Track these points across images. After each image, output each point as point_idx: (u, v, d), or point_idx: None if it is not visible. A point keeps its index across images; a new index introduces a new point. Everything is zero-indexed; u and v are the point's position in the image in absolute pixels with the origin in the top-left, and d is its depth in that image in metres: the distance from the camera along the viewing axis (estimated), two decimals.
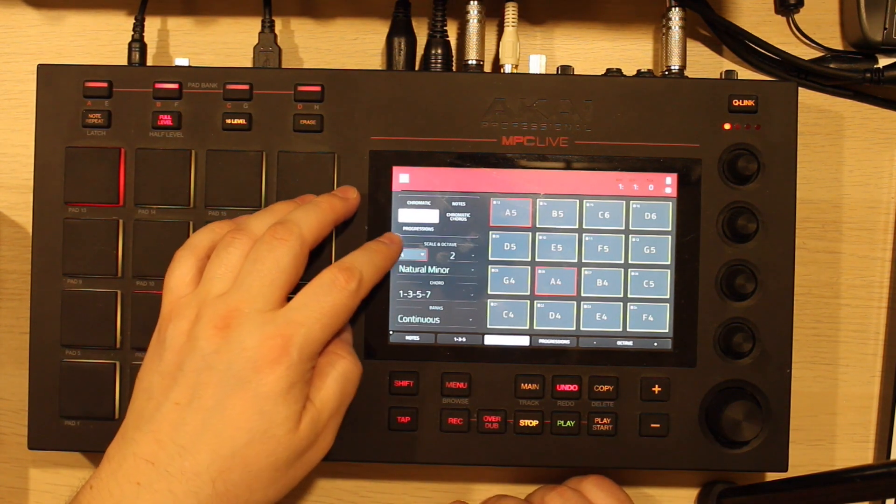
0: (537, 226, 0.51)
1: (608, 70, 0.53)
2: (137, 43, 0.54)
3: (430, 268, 0.51)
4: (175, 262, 0.47)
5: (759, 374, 0.51)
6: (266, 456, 0.43)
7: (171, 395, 0.43)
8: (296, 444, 0.43)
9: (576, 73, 0.53)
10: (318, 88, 0.51)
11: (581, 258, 0.51)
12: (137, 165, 0.51)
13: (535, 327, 0.51)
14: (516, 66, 0.54)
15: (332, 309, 0.44)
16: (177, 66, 0.52)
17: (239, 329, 0.43)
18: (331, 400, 0.45)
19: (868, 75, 0.55)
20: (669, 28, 0.53)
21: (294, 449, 0.43)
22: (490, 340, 0.51)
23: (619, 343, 0.51)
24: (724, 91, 0.51)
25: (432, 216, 0.51)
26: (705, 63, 0.57)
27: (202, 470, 0.42)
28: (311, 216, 0.46)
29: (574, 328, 0.51)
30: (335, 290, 0.44)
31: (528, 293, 0.51)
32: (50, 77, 0.51)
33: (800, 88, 0.52)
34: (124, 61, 0.54)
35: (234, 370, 0.42)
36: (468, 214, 0.51)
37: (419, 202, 0.51)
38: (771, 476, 0.53)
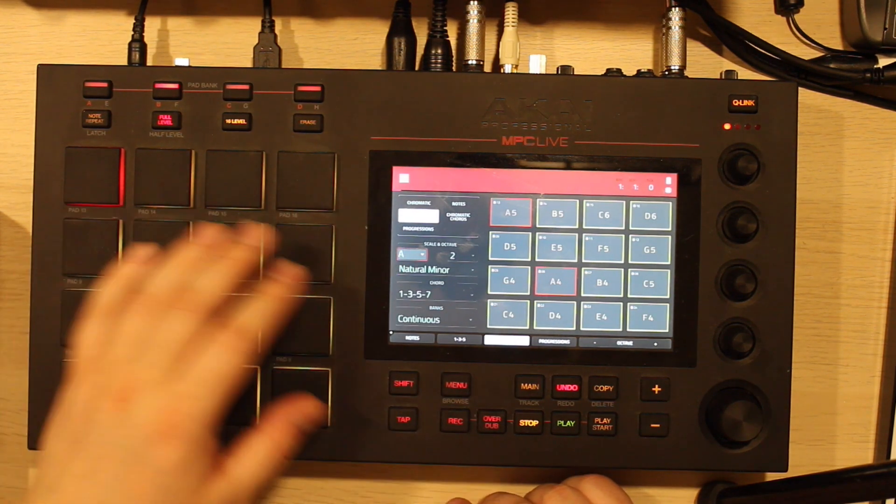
0: (537, 226, 0.51)
1: (608, 70, 0.53)
2: (137, 43, 0.54)
3: (430, 268, 0.51)
4: (87, 321, 0.46)
5: (759, 374, 0.51)
6: None
7: (72, 466, 0.42)
8: None
9: (576, 73, 0.53)
10: (318, 88, 0.51)
11: (581, 258, 0.51)
12: (137, 165, 0.51)
13: (535, 327, 0.51)
14: (516, 66, 0.54)
15: (227, 377, 0.44)
16: (177, 66, 0.52)
17: (137, 403, 0.42)
18: (248, 481, 0.45)
19: (868, 75, 0.55)
20: (669, 28, 0.53)
21: None
22: (490, 340, 0.51)
23: (619, 343, 0.51)
24: (724, 91, 0.51)
25: (432, 216, 0.51)
26: (705, 63, 0.57)
27: None
28: (212, 279, 0.45)
29: (574, 328, 0.51)
30: (227, 356, 0.44)
31: (528, 293, 0.51)
32: (50, 77, 0.51)
33: (800, 88, 0.52)
34: (124, 61, 0.54)
35: (130, 445, 0.42)
36: (468, 214, 0.51)
37: (419, 202, 0.51)
38: (771, 476, 0.53)
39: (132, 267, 0.47)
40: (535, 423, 0.51)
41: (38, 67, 0.51)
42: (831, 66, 0.55)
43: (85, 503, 0.42)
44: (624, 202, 0.51)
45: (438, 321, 0.51)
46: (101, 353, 0.45)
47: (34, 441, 0.51)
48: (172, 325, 0.44)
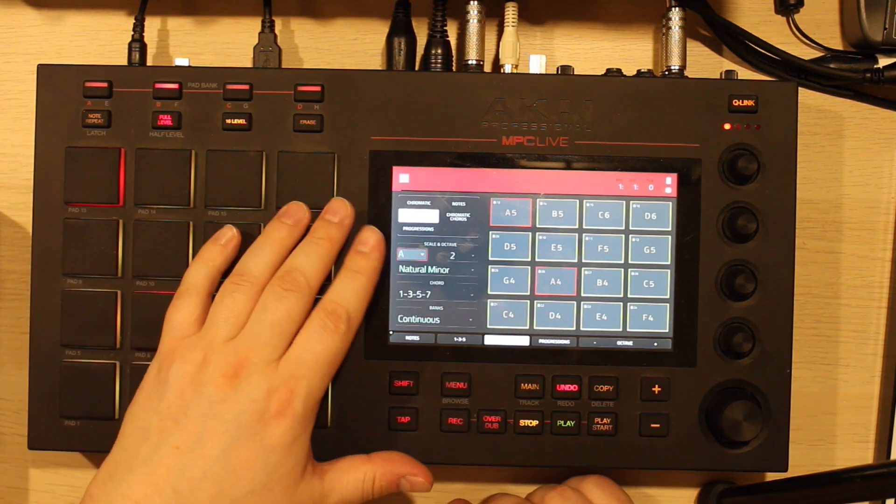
0: (537, 226, 0.51)
1: (608, 70, 0.53)
2: (137, 43, 0.54)
3: (430, 268, 0.51)
4: (179, 299, 0.47)
5: (759, 374, 0.51)
6: None
7: (172, 438, 0.43)
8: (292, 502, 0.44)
9: (576, 73, 0.53)
10: (318, 88, 0.51)
11: (581, 258, 0.51)
12: (137, 165, 0.51)
13: (535, 327, 0.51)
14: (516, 66, 0.54)
15: (327, 357, 0.45)
16: (177, 66, 0.52)
17: (248, 379, 0.43)
18: (338, 493, 0.46)
19: (868, 75, 0.55)
20: (669, 28, 0.53)
21: None
22: (490, 340, 0.51)
23: (619, 343, 0.51)
24: (724, 91, 0.51)
25: (432, 216, 0.51)
26: (705, 63, 0.57)
27: None
28: (313, 260, 0.47)
29: (574, 328, 0.51)
30: (326, 337, 0.45)
31: (528, 293, 0.51)
32: (50, 77, 0.51)
33: (800, 88, 0.52)
34: (124, 61, 0.54)
35: (241, 421, 0.43)
36: (468, 214, 0.51)
37: (419, 202, 0.51)
38: (771, 476, 0.53)
39: (217, 248, 0.48)
40: (535, 423, 0.51)
41: (38, 67, 0.51)
42: (831, 66, 0.55)
43: (186, 474, 0.42)
44: (624, 202, 0.51)
45: (438, 321, 0.51)
46: (202, 333, 0.45)
47: (34, 441, 0.51)
48: (280, 304, 0.45)
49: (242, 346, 0.44)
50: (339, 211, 0.49)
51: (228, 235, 0.49)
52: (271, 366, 0.44)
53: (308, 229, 0.49)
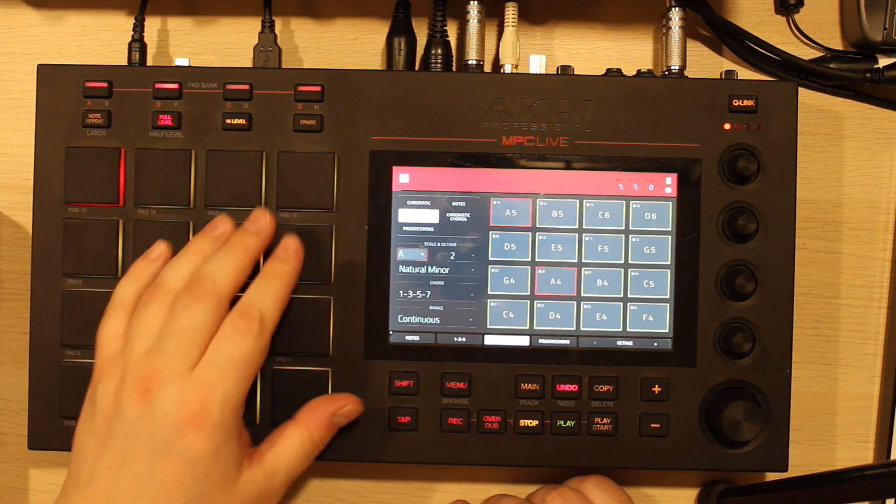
0: (537, 226, 0.51)
1: (608, 70, 0.53)
2: (137, 43, 0.54)
3: (430, 268, 0.51)
4: (105, 318, 0.47)
5: (759, 374, 0.51)
6: None
7: (104, 459, 0.43)
8: (237, 502, 0.44)
9: (576, 73, 0.53)
10: (318, 88, 0.51)
11: (581, 258, 0.51)
12: (137, 165, 0.51)
13: (535, 327, 0.51)
14: (516, 66, 0.54)
15: (241, 359, 0.44)
16: (177, 66, 0.52)
17: (160, 393, 0.43)
18: (283, 468, 0.46)
19: (868, 75, 0.55)
20: (669, 28, 0.53)
21: None
22: (490, 340, 0.51)
23: (619, 343, 0.51)
24: (724, 91, 0.51)
25: (432, 216, 0.51)
26: (705, 63, 0.57)
27: None
28: (224, 266, 0.45)
29: (574, 328, 0.51)
30: (239, 339, 0.44)
31: (528, 293, 0.51)
32: (50, 77, 0.51)
33: (800, 88, 0.52)
34: (124, 61, 0.54)
35: (158, 437, 0.42)
36: (468, 214, 0.51)
37: (419, 202, 0.51)
38: (771, 476, 0.53)
39: (147, 263, 0.48)
40: (535, 423, 0.51)
41: (38, 67, 0.51)
42: (831, 66, 0.55)
43: (119, 495, 0.42)
44: (624, 202, 0.51)
45: (438, 321, 0.51)
46: (123, 349, 0.45)
47: (34, 441, 0.51)
48: (188, 313, 0.44)
49: (154, 358, 0.44)
50: (259, 220, 0.48)
51: (158, 250, 0.48)
52: (183, 376, 0.43)
53: None
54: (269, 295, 0.46)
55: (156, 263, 0.48)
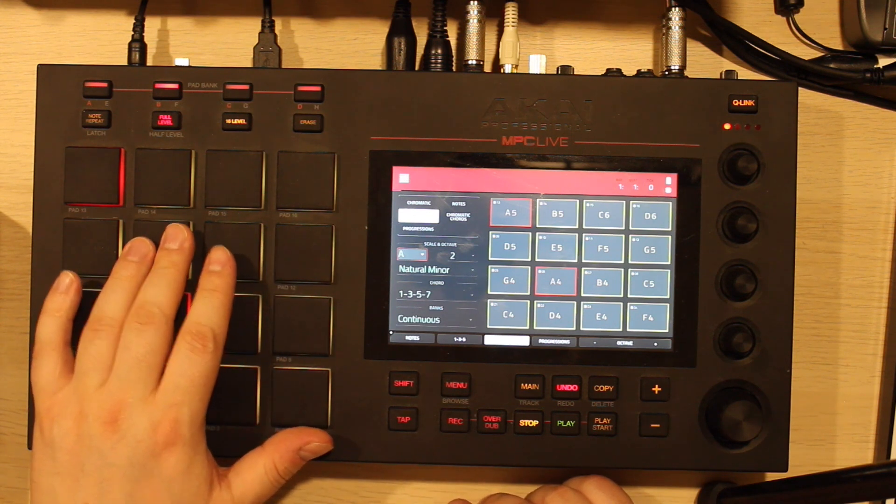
0: (537, 226, 0.51)
1: (608, 70, 0.53)
2: (137, 43, 0.54)
3: (430, 268, 0.51)
4: (37, 359, 0.47)
5: (759, 374, 0.51)
6: None
7: (78, 496, 0.44)
8: None
9: (576, 73, 0.53)
10: (318, 88, 0.51)
11: (581, 258, 0.51)
12: (137, 165, 0.51)
13: (535, 327, 0.51)
14: (516, 66, 0.54)
15: (201, 377, 0.45)
16: (177, 66, 0.52)
17: (129, 420, 0.44)
18: (249, 495, 0.47)
19: (868, 75, 0.55)
20: (669, 28, 0.53)
21: None
22: (490, 340, 0.51)
23: (619, 343, 0.51)
24: (724, 91, 0.51)
25: (432, 216, 0.51)
26: (705, 63, 0.57)
27: None
28: (163, 289, 0.47)
29: (574, 328, 0.51)
30: (196, 358, 0.45)
31: (528, 293, 0.51)
32: (50, 77, 0.51)
33: (800, 88, 0.52)
34: (124, 61, 0.54)
35: (135, 462, 0.44)
36: (468, 214, 0.51)
37: (419, 202, 0.51)
38: (771, 476, 0.53)
39: (60, 296, 0.48)
40: (535, 423, 0.51)
41: (38, 67, 0.51)
42: (831, 66, 0.55)
43: None
44: (624, 202, 0.51)
45: (438, 321, 0.51)
46: (73, 385, 0.45)
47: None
48: (140, 340, 0.45)
49: (115, 389, 0.44)
50: (177, 237, 0.49)
51: (66, 282, 0.49)
52: (148, 401, 0.44)
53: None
54: (214, 311, 0.47)
55: (69, 295, 0.48)
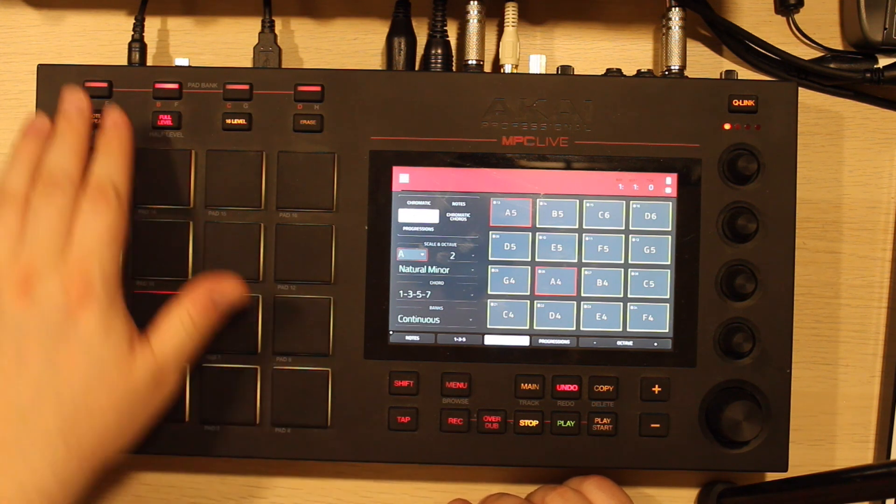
0: (537, 226, 0.51)
1: (608, 70, 0.53)
2: (137, 43, 0.54)
3: (430, 268, 0.51)
4: None
5: (759, 374, 0.51)
6: (107, 397, 0.44)
7: None
8: (134, 382, 0.45)
9: (576, 73, 0.53)
10: (318, 88, 0.51)
11: (581, 258, 0.51)
12: (137, 165, 0.51)
13: (535, 327, 0.51)
14: (516, 66, 0.54)
15: (108, 231, 0.45)
16: (177, 66, 0.52)
17: (40, 284, 0.44)
18: (170, 350, 0.46)
19: (868, 75, 0.55)
20: (669, 28, 0.53)
21: (133, 388, 0.45)
22: (490, 340, 0.51)
23: (619, 343, 0.51)
24: (724, 91, 0.51)
25: (432, 216, 0.51)
26: (705, 63, 0.57)
27: (51, 429, 0.43)
28: (65, 152, 0.46)
29: (574, 328, 0.51)
30: (100, 214, 0.45)
31: (528, 293, 0.51)
32: (50, 77, 0.51)
33: (800, 88, 0.52)
34: (124, 61, 0.54)
35: (50, 325, 0.43)
36: (468, 214, 0.51)
37: (419, 202, 0.51)
38: (771, 476, 0.53)
39: None
40: (535, 423, 0.51)
41: (38, 67, 0.51)
42: (831, 66, 0.55)
43: (23, 395, 0.43)
44: (624, 202, 0.51)
45: (438, 321, 0.51)
46: None
47: None
48: (47, 205, 0.45)
49: (24, 256, 0.44)
50: (73, 100, 0.49)
51: None
52: (58, 263, 0.44)
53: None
54: (115, 167, 0.47)
55: None
